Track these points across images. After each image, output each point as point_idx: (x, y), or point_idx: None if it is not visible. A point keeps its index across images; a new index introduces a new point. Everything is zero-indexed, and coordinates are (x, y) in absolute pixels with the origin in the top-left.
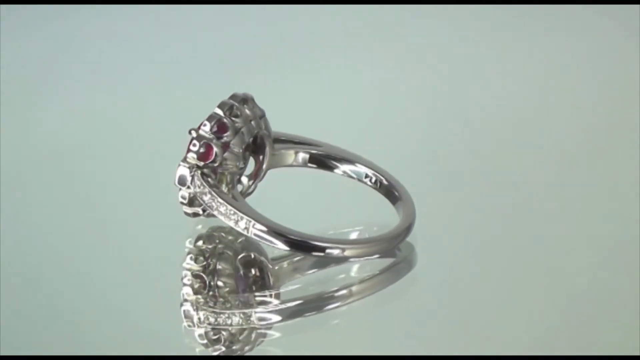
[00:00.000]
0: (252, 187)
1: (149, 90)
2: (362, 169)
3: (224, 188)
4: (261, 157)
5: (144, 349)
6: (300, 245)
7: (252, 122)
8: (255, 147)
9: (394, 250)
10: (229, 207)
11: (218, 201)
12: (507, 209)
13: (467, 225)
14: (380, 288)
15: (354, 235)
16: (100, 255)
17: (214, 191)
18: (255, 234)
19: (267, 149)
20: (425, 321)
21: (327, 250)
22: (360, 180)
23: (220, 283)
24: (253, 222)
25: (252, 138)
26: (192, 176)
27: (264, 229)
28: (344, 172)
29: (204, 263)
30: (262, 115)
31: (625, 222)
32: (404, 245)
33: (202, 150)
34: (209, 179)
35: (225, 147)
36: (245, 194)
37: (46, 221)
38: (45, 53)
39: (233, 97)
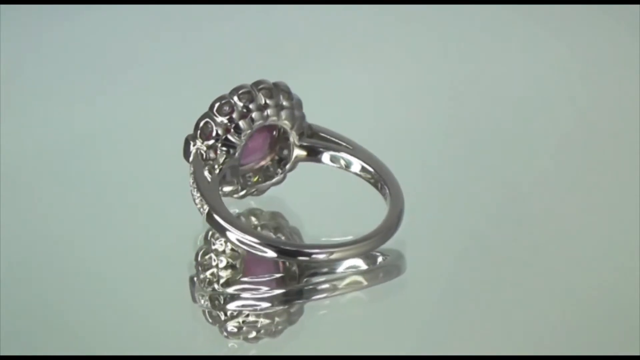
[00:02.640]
0: (282, 176)
1: (161, 88)
2: (348, 157)
3: (216, 169)
4: (286, 148)
5: (154, 330)
6: (288, 252)
7: (268, 111)
8: (280, 138)
9: (383, 255)
10: (195, 188)
11: (193, 179)
12: (503, 211)
13: (460, 229)
14: (367, 287)
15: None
16: (123, 230)
17: (195, 170)
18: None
19: (290, 140)
20: (415, 320)
21: (313, 256)
22: (347, 169)
23: (225, 264)
24: (207, 209)
25: (268, 127)
26: (190, 152)
27: (218, 218)
28: (332, 158)
29: (221, 241)
30: (288, 107)
31: (625, 222)
32: (392, 252)
33: (206, 128)
34: (210, 160)
35: (227, 129)
36: (273, 182)
37: (52, 211)
38: (45, 53)
39: (256, 82)
